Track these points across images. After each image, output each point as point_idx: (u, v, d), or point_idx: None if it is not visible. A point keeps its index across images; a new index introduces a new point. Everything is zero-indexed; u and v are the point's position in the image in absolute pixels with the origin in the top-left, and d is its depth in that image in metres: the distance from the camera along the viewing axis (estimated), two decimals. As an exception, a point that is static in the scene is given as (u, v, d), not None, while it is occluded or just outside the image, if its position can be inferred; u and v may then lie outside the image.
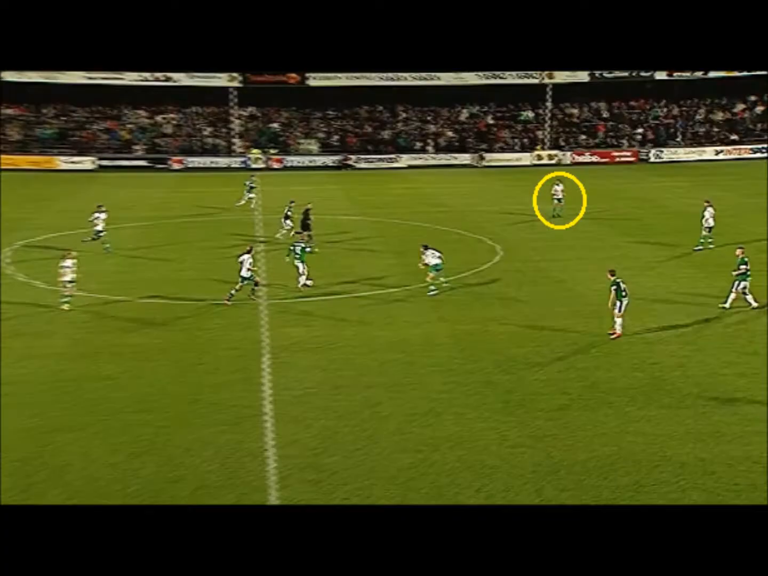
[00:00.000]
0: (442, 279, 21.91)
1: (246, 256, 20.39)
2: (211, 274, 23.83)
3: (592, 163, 58.56)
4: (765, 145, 59.78)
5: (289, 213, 28.52)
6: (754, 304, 19.66)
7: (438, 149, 60.17)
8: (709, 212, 27.25)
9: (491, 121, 62.69)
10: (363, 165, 56.48)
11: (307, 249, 22.94)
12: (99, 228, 26.88)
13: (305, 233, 26.26)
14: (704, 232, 27.11)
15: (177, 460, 12.50)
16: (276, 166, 55.59)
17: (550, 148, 60.30)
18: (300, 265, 21.80)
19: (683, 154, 59.14)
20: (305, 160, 56.63)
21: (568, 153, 59.35)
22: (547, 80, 60.01)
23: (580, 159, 59.07)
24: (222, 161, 55.69)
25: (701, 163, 57.51)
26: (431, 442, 13.00)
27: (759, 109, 63.13)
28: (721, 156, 58.97)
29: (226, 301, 20.35)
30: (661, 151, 59.38)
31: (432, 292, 21.48)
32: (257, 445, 12.89)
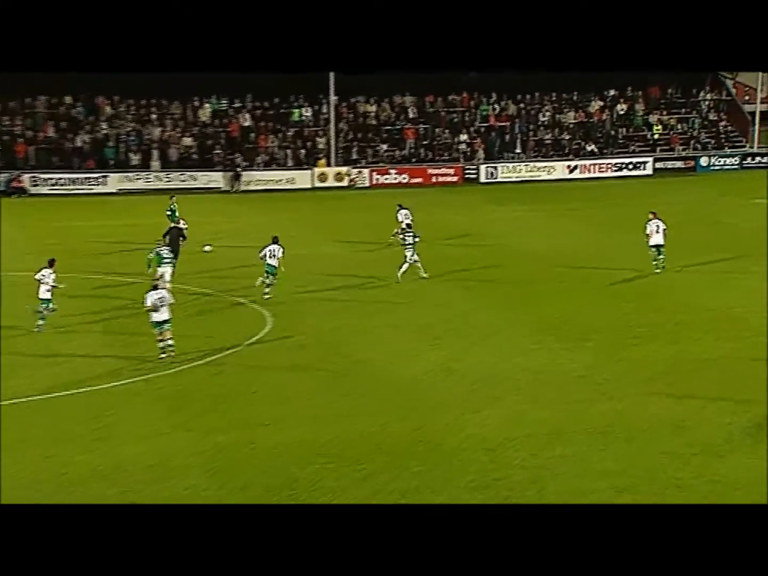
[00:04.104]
0: (269, 281, 29.18)
1: (274, 247, 29.36)
2: None
3: (399, 184, 61.23)
4: (633, 159, 66.11)
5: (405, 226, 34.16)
6: None
7: (167, 165, 60.02)
8: (655, 225, 32.41)
9: (248, 123, 63.82)
10: (45, 190, 55.06)
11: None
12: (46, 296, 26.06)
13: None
14: (653, 252, 32.41)
15: None
16: None
17: (339, 164, 62.34)
18: (168, 269, 29.76)
19: (525, 171, 63.69)
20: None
21: (366, 171, 61.69)
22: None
23: (383, 179, 61.61)
24: None
25: (550, 183, 62.19)
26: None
27: (621, 108, 69.92)
28: (576, 173, 64.27)
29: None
30: (495, 168, 63.55)
31: (266, 296, 29.25)
32: None
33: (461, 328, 26.26)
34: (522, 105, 68.45)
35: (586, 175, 64.16)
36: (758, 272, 32.79)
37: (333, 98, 62.24)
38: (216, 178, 59.13)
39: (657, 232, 32.53)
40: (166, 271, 29.80)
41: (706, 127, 70.72)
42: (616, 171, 64.66)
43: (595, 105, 69.28)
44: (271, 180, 59.79)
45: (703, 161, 66.78)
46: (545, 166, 64.37)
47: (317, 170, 60.85)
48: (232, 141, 62.59)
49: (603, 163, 65.00)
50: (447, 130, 66.21)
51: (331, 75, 60.23)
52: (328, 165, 61.69)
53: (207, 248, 35.10)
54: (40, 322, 25.87)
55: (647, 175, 64.75)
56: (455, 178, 62.57)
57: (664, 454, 17.77)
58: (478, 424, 19.35)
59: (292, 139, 63.55)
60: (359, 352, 24.37)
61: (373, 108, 66.40)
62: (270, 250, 29.57)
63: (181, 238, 33.76)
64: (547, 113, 68.32)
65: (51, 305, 25.97)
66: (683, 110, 71.06)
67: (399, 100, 67.08)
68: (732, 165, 67.35)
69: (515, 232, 42.55)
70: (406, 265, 32.12)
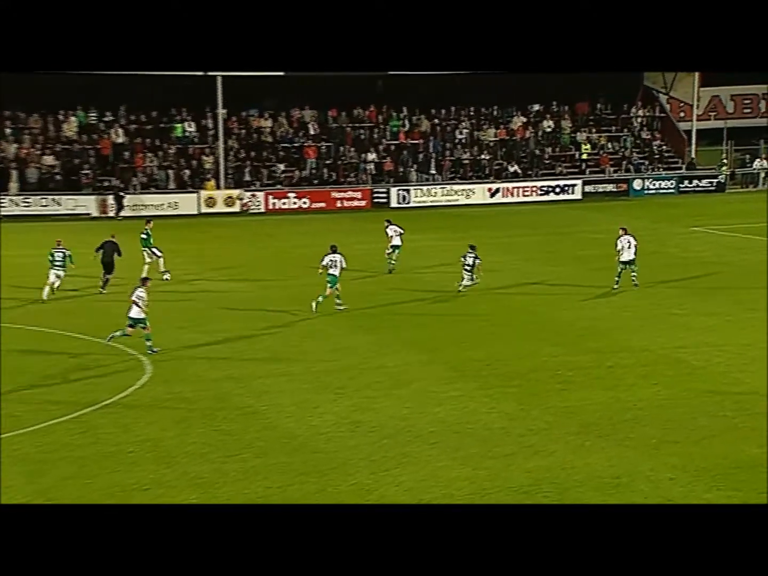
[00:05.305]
0: (337, 293, 33.03)
1: (335, 257, 33.11)
2: None
3: (299, 209, 61.29)
4: (560, 182, 67.21)
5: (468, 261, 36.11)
6: None
7: (25, 187, 59.06)
8: (626, 241, 36.00)
9: (122, 139, 63.20)
10: None
11: (69, 253, 35.72)
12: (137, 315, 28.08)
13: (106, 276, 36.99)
14: (620, 268, 35.97)
15: None
16: None
17: (230, 186, 62.17)
18: (60, 273, 35.21)
19: (441, 195, 64.33)
20: None
21: (260, 194, 61.66)
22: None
23: (281, 204, 61.63)
24: None
25: (469, 208, 62.79)
26: None
27: (547, 124, 71.10)
28: (498, 197, 65.11)
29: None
30: (407, 191, 64.07)
31: (340, 307, 33.26)
32: None
33: (368, 376, 26.23)
34: (436, 120, 69.16)
35: (509, 199, 65.08)
36: (698, 308, 33.52)
37: (221, 111, 62.07)
38: (84, 203, 58.36)
39: (628, 248, 35.93)
40: (54, 275, 35.23)
41: (639, 146, 72.31)
42: (542, 195, 65.71)
43: (518, 121, 70.34)
44: (151, 205, 59.28)
45: (637, 184, 68.28)
46: (463, 189, 65.12)
47: (204, 193, 60.54)
48: (104, 160, 61.91)
49: (527, 186, 66.04)
50: (353, 149, 66.51)
51: (219, 84, 60.03)
52: (218, 188, 61.40)
53: (166, 277, 37.17)
54: (117, 333, 28.29)
55: (576, 200, 65.88)
56: (363, 203, 62.90)
57: (598, 516, 17.94)
58: (390, 484, 19.32)
59: (174, 158, 63.15)
60: (251, 404, 24.18)
61: (268, 122, 66.44)
62: (331, 260, 32.99)
63: (116, 254, 37.19)
64: (465, 130, 69.16)
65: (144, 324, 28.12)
66: (613, 128, 72.58)
67: (297, 113, 67.22)
68: (668, 189, 68.94)
69: (430, 264, 42.75)
70: (469, 282, 36.11)
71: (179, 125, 64.47)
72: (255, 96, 63.92)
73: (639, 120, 73.48)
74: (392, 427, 22.32)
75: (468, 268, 35.77)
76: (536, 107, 71.45)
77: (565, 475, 19.55)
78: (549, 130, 70.69)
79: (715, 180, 70.59)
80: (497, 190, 65.44)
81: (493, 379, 25.89)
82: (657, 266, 41.10)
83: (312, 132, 66.76)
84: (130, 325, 28.08)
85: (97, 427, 22.66)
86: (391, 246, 40.70)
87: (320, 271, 33.33)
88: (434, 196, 64.26)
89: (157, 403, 24.22)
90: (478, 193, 65.11)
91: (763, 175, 73.56)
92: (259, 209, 60.98)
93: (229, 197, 60.77)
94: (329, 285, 33.04)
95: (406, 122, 68.67)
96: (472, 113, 70.34)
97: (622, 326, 31.49)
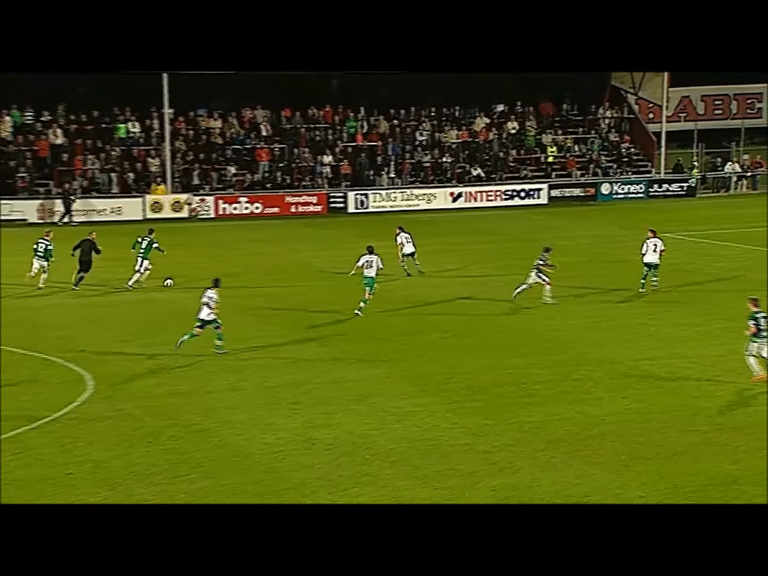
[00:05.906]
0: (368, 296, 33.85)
1: (371, 257, 34.06)
2: None
3: (251, 215, 61.16)
4: (525, 186, 67.50)
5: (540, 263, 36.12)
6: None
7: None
8: (652, 244, 37.27)
9: (60, 140, 62.79)
10: None
11: (51, 247, 38.40)
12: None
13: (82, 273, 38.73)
14: (645, 271, 37.21)
15: None
16: None
17: (177, 190, 61.93)
18: (44, 264, 38.01)
19: (401, 199, 64.42)
20: None
21: (210, 199, 61.45)
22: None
23: (232, 209, 61.51)
24: None
25: (430, 214, 62.88)
26: None
27: (511, 126, 71.36)
28: (460, 202, 65.28)
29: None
30: (365, 195, 64.12)
31: (359, 312, 33.79)
32: None
33: (324, 390, 26.16)
34: (395, 121, 69.21)
35: (472, 204, 65.27)
36: (669, 319, 33.71)
37: (167, 111, 61.78)
38: (20, 208, 57.85)
39: (654, 251, 37.23)
40: (38, 265, 38.22)
41: (607, 149, 72.67)
42: (506, 199, 65.95)
43: (481, 122, 70.51)
44: (92, 210, 58.90)
45: (605, 189, 68.62)
46: (424, 194, 65.24)
47: (150, 198, 60.19)
48: (41, 162, 61.45)
49: (491, 190, 66.19)
50: (307, 151, 66.42)
51: (165, 82, 59.68)
52: (164, 193, 61.14)
53: (168, 282, 37.47)
54: (219, 342, 29.40)
55: (542, 204, 66.15)
56: (319, 208, 62.88)
57: (565, 537, 17.97)
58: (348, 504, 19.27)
59: (118, 161, 62.77)
60: (199, 421, 24.04)
61: (218, 123, 66.25)
62: (367, 261, 34.04)
63: (93, 252, 39.01)
64: (426, 131, 69.21)
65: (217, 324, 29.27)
66: (580, 130, 72.89)
67: (249, 113, 67.07)
68: (637, 193, 69.35)
69: (389, 273, 42.74)
70: (523, 287, 36.13)
71: (122, 125, 64.10)
72: (203, 95, 63.71)
73: (607, 121, 73.87)
74: (350, 444, 22.26)
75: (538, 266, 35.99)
76: (500, 108, 71.66)
77: (531, 494, 19.56)
78: (513, 131, 70.92)
79: (686, 184, 71.08)
80: (460, 195, 65.58)
81: (455, 394, 25.89)
82: (625, 275, 41.27)
83: (264, 133, 66.60)
84: (200, 326, 29.15)
85: (34, 447, 22.43)
86: (404, 254, 41.44)
87: (353, 272, 35.11)
88: (394, 200, 64.26)
89: (99, 421, 24.01)
90: (440, 198, 65.23)
91: (734, 179, 74.20)
92: (208, 214, 60.75)
93: (177, 202, 60.49)
94: (367, 288, 33.96)
95: (364, 123, 68.65)
96: (433, 114, 70.46)
97: (589, 337, 31.60)
